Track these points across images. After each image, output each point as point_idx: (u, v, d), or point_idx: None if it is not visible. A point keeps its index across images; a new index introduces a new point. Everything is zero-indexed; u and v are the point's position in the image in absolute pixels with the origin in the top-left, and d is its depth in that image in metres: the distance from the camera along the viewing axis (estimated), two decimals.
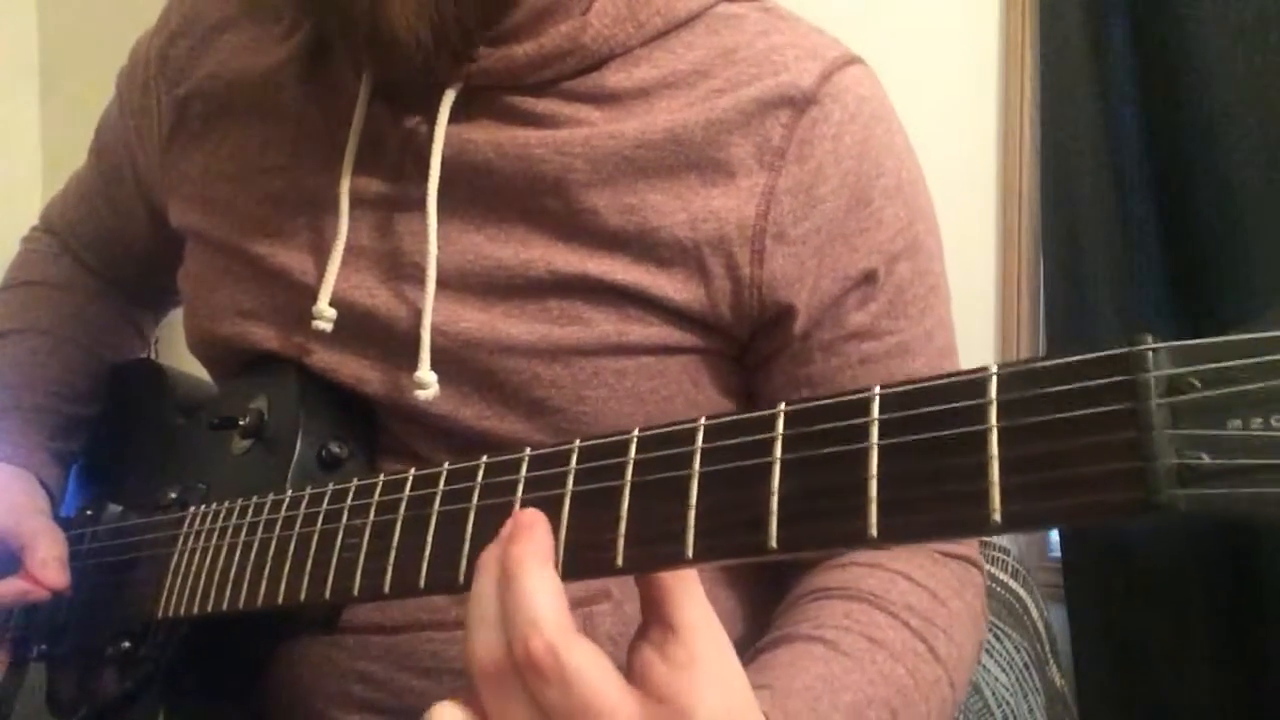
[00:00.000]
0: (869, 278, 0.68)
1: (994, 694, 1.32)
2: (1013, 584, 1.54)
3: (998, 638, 1.40)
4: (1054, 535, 1.84)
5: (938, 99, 1.77)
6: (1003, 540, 1.60)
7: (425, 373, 0.67)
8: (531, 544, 0.44)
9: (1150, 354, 0.31)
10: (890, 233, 0.68)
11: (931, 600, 0.67)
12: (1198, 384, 0.29)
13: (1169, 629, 1.65)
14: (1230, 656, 1.61)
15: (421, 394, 0.67)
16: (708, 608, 0.45)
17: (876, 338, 0.69)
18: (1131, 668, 1.68)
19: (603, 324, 0.66)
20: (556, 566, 0.45)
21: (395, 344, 0.69)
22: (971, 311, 1.78)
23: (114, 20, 1.72)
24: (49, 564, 0.78)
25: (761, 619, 0.71)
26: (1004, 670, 1.36)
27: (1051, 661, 1.53)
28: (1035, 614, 1.53)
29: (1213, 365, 0.29)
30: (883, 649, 0.62)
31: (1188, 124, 1.61)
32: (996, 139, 1.79)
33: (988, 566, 1.52)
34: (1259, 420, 0.28)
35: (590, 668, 0.42)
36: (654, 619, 0.45)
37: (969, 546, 0.73)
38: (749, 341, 0.70)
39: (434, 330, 0.67)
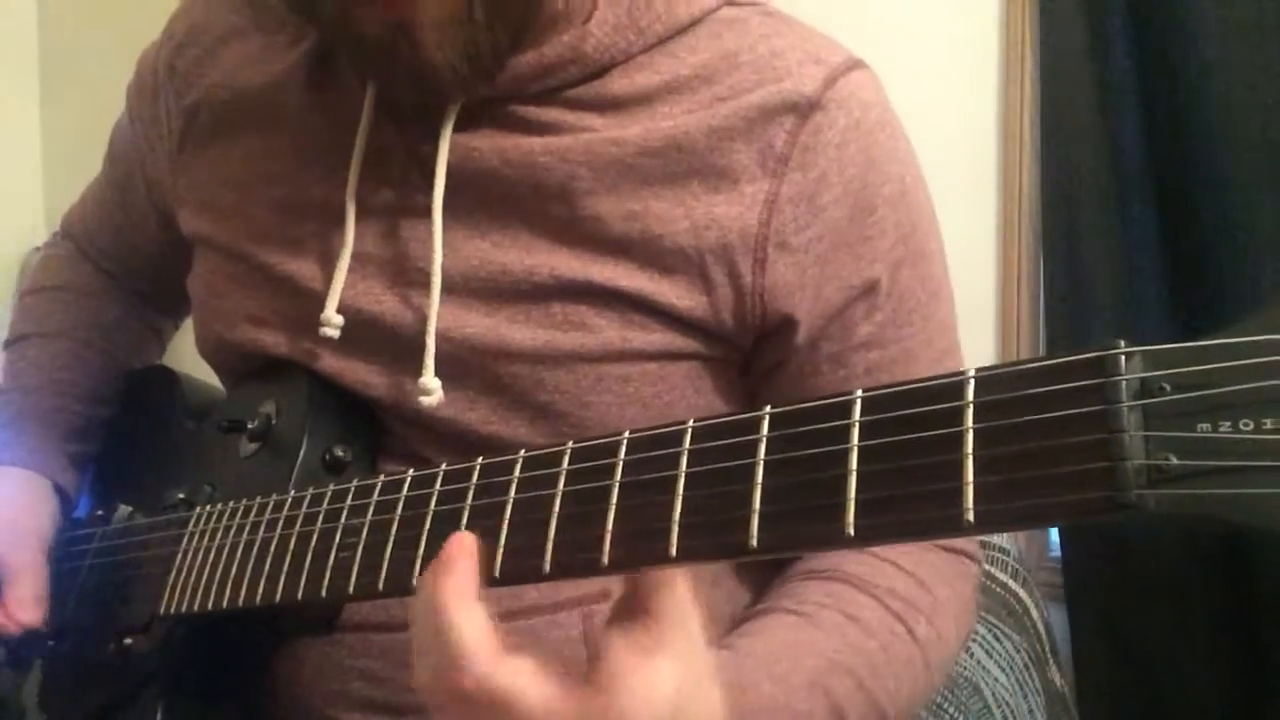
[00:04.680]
0: (873, 287, 0.68)
1: (994, 694, 1.32)
2: (1013, 584, 1.54)
3: (997, 638, 1.40)
4: (1054, 535, 1.84)
5: (938, 99, 1.77)
6: (1002, 540, 1.60)
7: (430, 378, 0.67)
8: (453, 579, 0.46)
9: (1123, 357, 0.31)
10: (893, 240, 0.68)
11: (917, 586, 0.68)
12: (1168, 387, 0.30)
13: (1169, 629, 1.64)
14: (1230, 656, 1.61)
15: (426, 399, 0.67)
16: (684, 596, 0.47)
17: (882, 347, 0.69)
18: (1131, 668, 1.68)
19: (606, 330, 0.67)
20: (491, 581, 0.48)
21: (401, 350, 0.69)
22: (971, 311, 1.78)
23: (114, 23, 1.72)
24: (25, 602, 0.79)
25: None
26: (1004, 670, 1.36)
27: (1051, 661, 1.52)
28: (1035, 614, 1.53)
29: (1184, 369, 0.30)
30: (856, 624, 0.64)
31: (1188, 124, 1.61)
32: (996, 139, 1.79)
33: (988, 566, 1.52)
34: (1227, 424, 0.28)
35: (519, 687, 0.45)
36: (629, 604, 0.47)
37: (967, 541, 0.74)
38: (752, 351, 0.70)
39: (439, 336, 0.67)
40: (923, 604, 0.67)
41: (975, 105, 1.80)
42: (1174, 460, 0.29)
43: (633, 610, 0.47)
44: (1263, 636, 1.58)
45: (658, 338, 0.67)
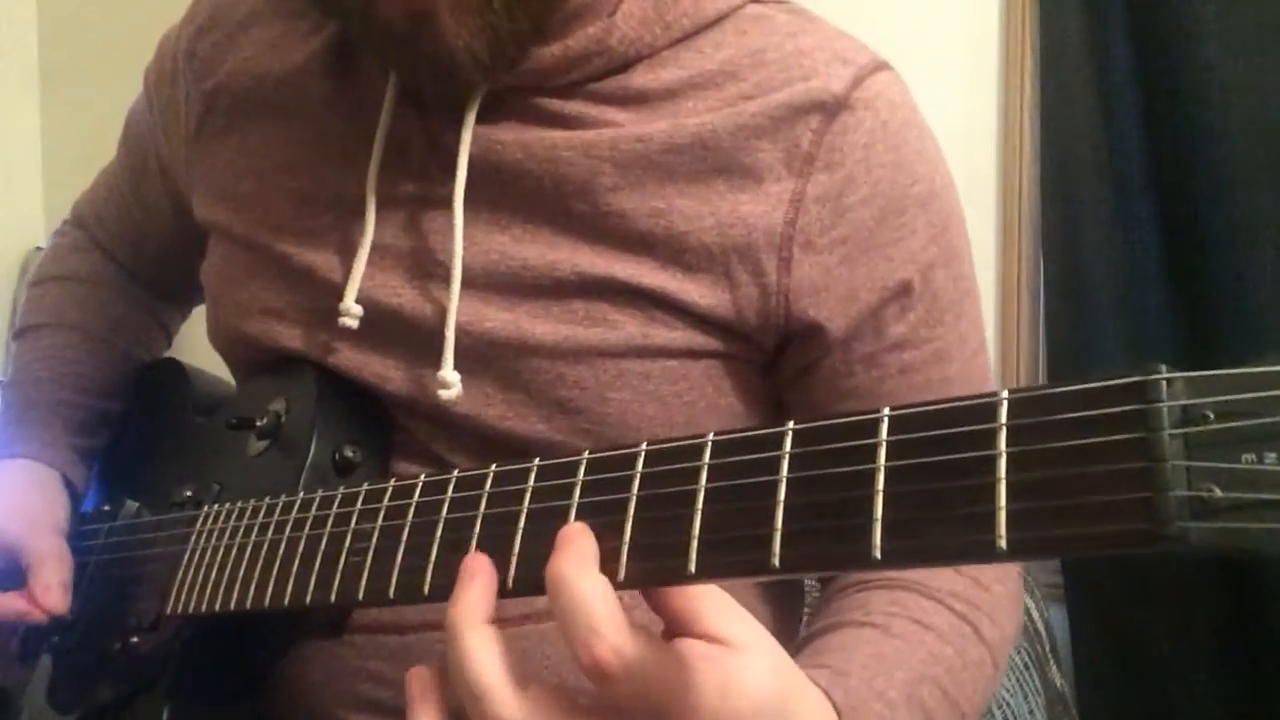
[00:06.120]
0: (905, 288, 0.68)
1: (994, 694, 1.32)
2: None
3: None
4: None
5: (938, 99, 1.76)
6: None
7: (449, 372, 0.66)
8: (571, 554, 0.44)
9: (1164, 383, 0.31)
10: (924, 241, 0.68)
11: (974, 586, 0.67)
12: (1211, 415, 0.29)
13: (1169, 629, 1.65)
14: (1230, 656, 1.62)
15: (444, 393, 0.66)
16: (746, 617, 0.46)
17: (916, 347, 0.69)
18: (1131, 668, 1.68)
19: (627, 326, 0.66)
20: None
21: (420, 343, 0.69)
22: None
23: (114, 20, 1.71)
24: (52, 589, 0.78)
25: (790, 626, 0.73)
26: (1004, 670, 1.36)
27: (1051, 662, 1.53)
28: (1035, 614, 1.53)
29: (1227, 397, 0.29)
30: (930, 631, 0.63)
31: (1187, 124, 1.61)
32: (996, 139, 1.79)
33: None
34: (1273, 455, 0.28)
35: (647, 655, 0.42)
36: (690, 635, 0.45)
37: None
38: (778, 352, 0.70)
39: (458, 329, 0.66)
40: (983, 604, 0.67)
41: (975, 105, 1.79)
42: (1218, 492, 0.28)
43: (694, 636, 0.45)
44: (1263, 637, 1.58)
45: (679, 335, 0.67)
